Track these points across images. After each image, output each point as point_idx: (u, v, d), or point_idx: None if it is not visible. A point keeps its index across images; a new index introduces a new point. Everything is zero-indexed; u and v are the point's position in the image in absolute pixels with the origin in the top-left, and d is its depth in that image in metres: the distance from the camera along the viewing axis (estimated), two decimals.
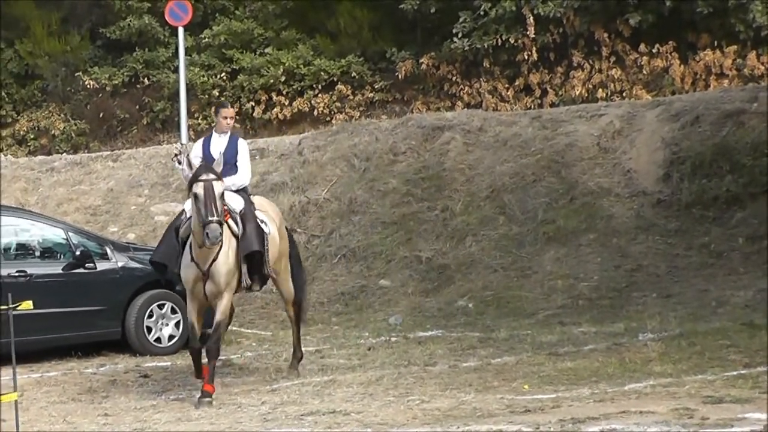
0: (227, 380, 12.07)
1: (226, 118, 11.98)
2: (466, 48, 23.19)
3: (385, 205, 19.10)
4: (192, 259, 11.19)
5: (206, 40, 25.25)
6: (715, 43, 22.36)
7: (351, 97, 24.26)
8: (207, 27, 25.38)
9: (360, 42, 24.63)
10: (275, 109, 24.50)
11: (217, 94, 24.65)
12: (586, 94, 22.54)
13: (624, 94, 22.42)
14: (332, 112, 24.17)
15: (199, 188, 10.90)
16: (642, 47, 22.50)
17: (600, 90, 22.55)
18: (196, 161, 11.41)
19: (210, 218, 10.75)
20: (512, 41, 22.96)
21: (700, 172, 17.86)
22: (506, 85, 23.37)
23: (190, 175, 11.07)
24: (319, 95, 24.37)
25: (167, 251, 11.72)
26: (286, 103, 24.49)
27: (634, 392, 10.18)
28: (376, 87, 24.33)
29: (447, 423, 9.36)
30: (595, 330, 13.85)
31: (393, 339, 14.42)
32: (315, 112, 24.26)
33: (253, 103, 24.67)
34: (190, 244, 11.21)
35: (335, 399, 10.75)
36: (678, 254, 16.75)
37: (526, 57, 23.03)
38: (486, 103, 23.13)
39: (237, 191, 11.67)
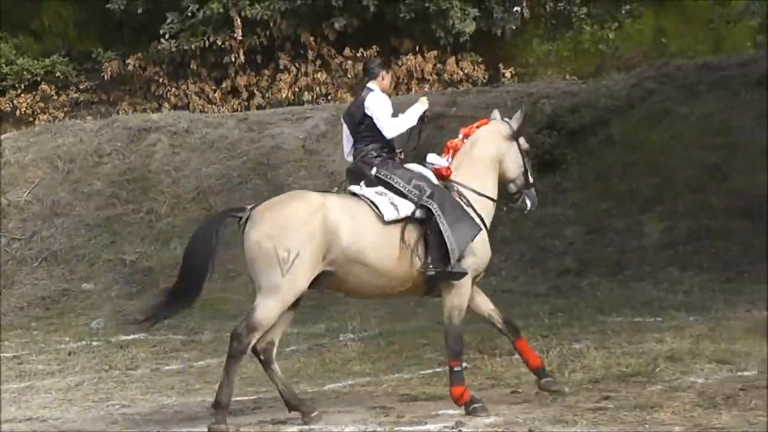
0: None
1: None
2: (174, 49, 23.08)
3: (89, 207, 18.81)
4: None
5: None
6: (417, 48, 22.95)
7: (55, 97, 23.77)
8: None
9: (65, 41, 24.21)
10: None
11: None
12: (293, 97, 22.76)
13: (329, 98, 22.75)
14: (35, 113, 23.62)
15: None
16: (347, 51, 22.88)
17: (306, 93, 22.81)
18: None
19: None
20: (220, 43, 22.98)
21: None
22: (213, 87, 23.37)
23: None
24: (22, 95, 23.77)
25: None
26: None
27: (333, 392, 10.37)
28: (81, 87, 23.93)
29: (147, 427, 9.32)
30: (297, 331, 13.93)
31: (95, 343, 14.20)
32: (17, 113, 23.64)
33: None
34: None
35: (32, 406, 10.53)
36: None
37: (233, 59, 23.09)
38: (193, 105, 23.07)
39: None
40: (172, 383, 11.35)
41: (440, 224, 9.19)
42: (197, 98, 23.23)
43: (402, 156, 9.74)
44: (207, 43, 23.01)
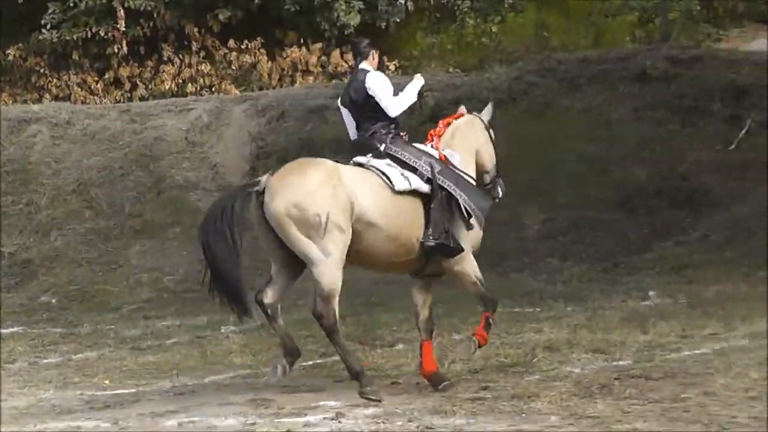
0: None
1: None
2: (55, 40, 22.75)
3: None
4: None
5: None
6: (302, 40, 22.95)
7: None
8: None
9: None
10: None
11: None
12: (176, 89, 22.59)
13: (213, 89, 22.64)
14: None
15: None
16: (231, 43, 22.79)
17: (190, 84, 22.64)
18: None
19: None
20: (102, 34, 22.69)
21: None
22: (96, 78, 23.07)
23: None
24: None
25: None
26: None
27: (214, 384, 10.35)
28: None
29: (24, 421, 9.20)
30: (178, 323, 13.91)
31: None
32: None
33: None
34: None
35: None
36: (262, 247, 17.06)
37: (116, 50, 22.82)
38: (74, 96, 22.74)
39: None
40: (50, 377, 11.19)
41: (457, 195, 9.60)
42: (79, 89, 22.92)
43: (406, 136, 10.04)
44: (89, 34, 22.70)
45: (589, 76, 18.56)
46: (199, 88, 22.62)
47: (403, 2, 23.60)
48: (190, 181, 18.46)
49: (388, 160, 9.67)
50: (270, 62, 22.77)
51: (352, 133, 10.07)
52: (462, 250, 9.65)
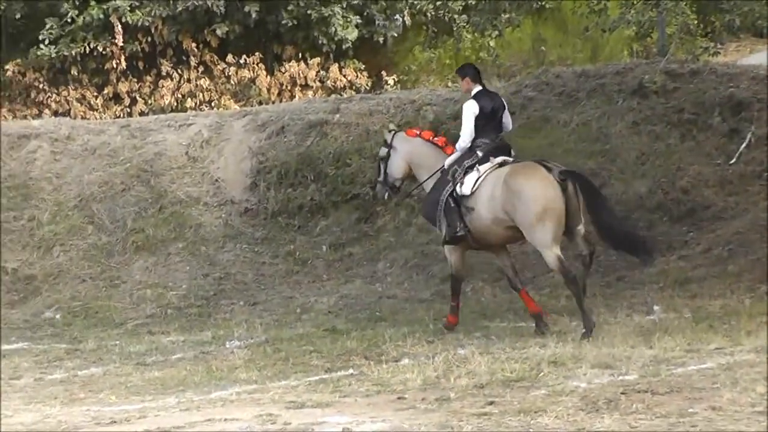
0: None
1: None
2: (54, 55, 22.83)
3: None
4: None
5: None
6: (300, 55, 23.02)
7: None
8: None
9: None
10: None
11: None
12: (176, 104, 22.68)
13: (213, 104, 22.72)
14: None
15: None
16: (230, 58, 22.87)
17: (189, 99, 22.75)
18: None
19: None
20: (101, 49, 22.79)
21: (286, 181, 18.32)
22: (95, 94, 23.17)
23: None
24: None
25: None
26: None
27: (219, 400, 10.30)
28: None
29: None
30: (183, 339, 13.95)
31: None
32: None
33: None
34: None
35: None
36: (265, 262, 17.14)
37: (114, 65, 22.94)
38: (74, 112, 22.84)
39: None
40: (56, 392, 11.17)
41: None
42: (79, 105, 23.01)
43: None
44: (87, 50, 22.82)
45: (587, 90, 18.57)
46: (198, 103, 22.69)
47: (400, 17, 23.68)
48: (192, 196, 18.48)
49: None
50: (269, 77, 22.84)
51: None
52: None
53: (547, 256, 12.14)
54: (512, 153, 12.94)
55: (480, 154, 12.69)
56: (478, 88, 12.99)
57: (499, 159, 12.69)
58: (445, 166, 12.85)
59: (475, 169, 12.60)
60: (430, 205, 12.95)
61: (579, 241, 12.38)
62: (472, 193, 12.52)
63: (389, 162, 13.40)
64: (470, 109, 12.81)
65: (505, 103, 13.23)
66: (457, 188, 12.60)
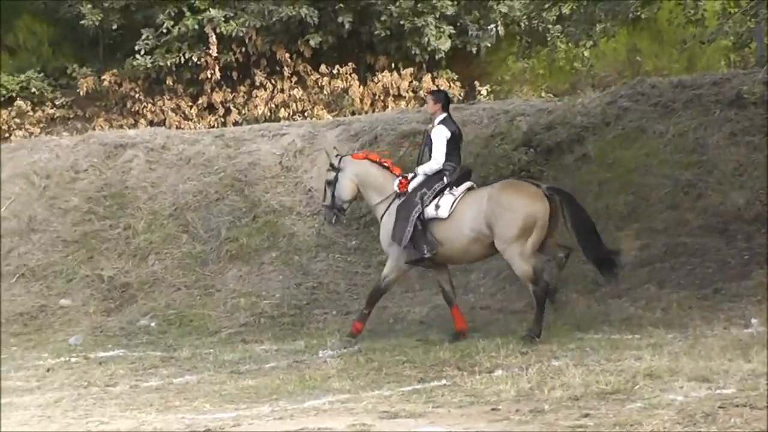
0: None
1: None
2: (149, 65, 23.08)
3: (66, 223, 18.78)
4: None
5: None
6: (393, 65, 23.03)
7: (31, 113, 23.65)
8: None
9: (39, 57, 24.15)
10: None
11: None
12: (269, 114, 22.79)
13: (305, 114, 22.80)
14: (11, 129, 23.50)
15: None
16: (323, 68, 22.93)
17: (282, 109, 22.85)
18: None
19: None
20: (195, 59, 22.99)
21: None
22: (189, 103, 23.36)
23: None
24: None
25: None
26: None
27: (313, 409, 10.32)
28: (57, 103, 23.83)
29: None
30: (276, 348, 14.00)
31: (73, 360, 14.18)
32: None
33: None
34: None
35: (11, 423, 10.46)
36: (357, 272, 17.16)
37: (209, 75, 23.10)
38: (169, 121, 23.07)
39: None
40: (151, 400, 11.29)
41: None
42: (173, 114, 23.22)
43: None
44: (182, 60, 23.02)
45: (683, 101, 18.38)
46: (291, 113, 22.78)
47: (493, 27, 23.61)
48: (285, 206, 18.57)
49: None
50: (361, 87, 22.87)
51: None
52: None
53: (521, 266, 12.78)
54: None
55: (447, 179, 13.43)
56: (445, 114, 13.74)
57: (468, 184, 13.57)
58: (409, 190, 13.51)
59: (447, 192, 13.34)
60: (399, 227, 13.36)
61: (552, 249, 13.09)
62: (450, 215, 13.23)
63: (337, 185, 14.07)
64: (442, 133, 13.57)
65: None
66: (427, 210, 13.27)
